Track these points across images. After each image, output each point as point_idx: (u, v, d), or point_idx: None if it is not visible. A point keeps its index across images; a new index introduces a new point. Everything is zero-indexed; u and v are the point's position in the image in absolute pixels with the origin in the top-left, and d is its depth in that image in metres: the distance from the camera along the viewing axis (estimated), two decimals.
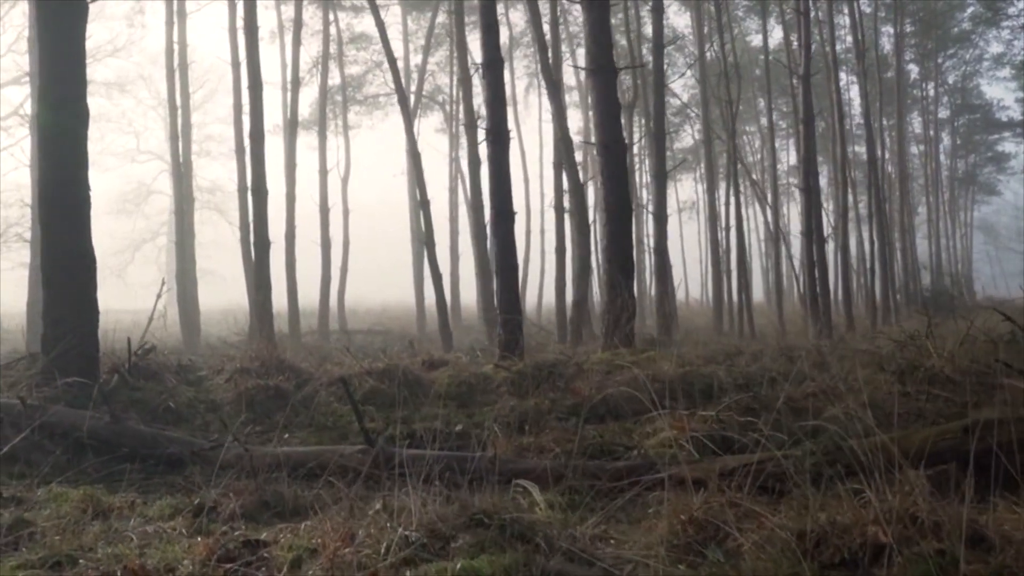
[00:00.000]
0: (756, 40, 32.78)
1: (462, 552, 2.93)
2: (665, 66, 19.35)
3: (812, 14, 19.62)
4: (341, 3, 28.45)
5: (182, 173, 21.55)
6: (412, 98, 25.71)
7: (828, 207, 29.17)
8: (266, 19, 26.10)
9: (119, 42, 28.76)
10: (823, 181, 26.72)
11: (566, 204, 18.01)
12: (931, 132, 37.57)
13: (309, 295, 22.63)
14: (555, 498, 3.89)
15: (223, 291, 28.94)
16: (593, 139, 11.74)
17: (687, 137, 37.08)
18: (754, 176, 31.05)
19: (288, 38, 23.55)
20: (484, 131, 9.29)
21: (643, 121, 23.94)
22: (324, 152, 25.22)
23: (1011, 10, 33.18)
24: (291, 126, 22.68)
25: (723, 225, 22.49)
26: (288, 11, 24.58)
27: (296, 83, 22.71)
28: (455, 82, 27.24)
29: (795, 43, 23.09)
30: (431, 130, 34.41)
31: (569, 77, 31.32)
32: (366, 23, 29.79)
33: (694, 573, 2.88)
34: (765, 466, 3.72)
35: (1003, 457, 3.24)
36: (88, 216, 7.05)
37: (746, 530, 3.01)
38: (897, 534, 2.62)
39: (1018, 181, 44.49)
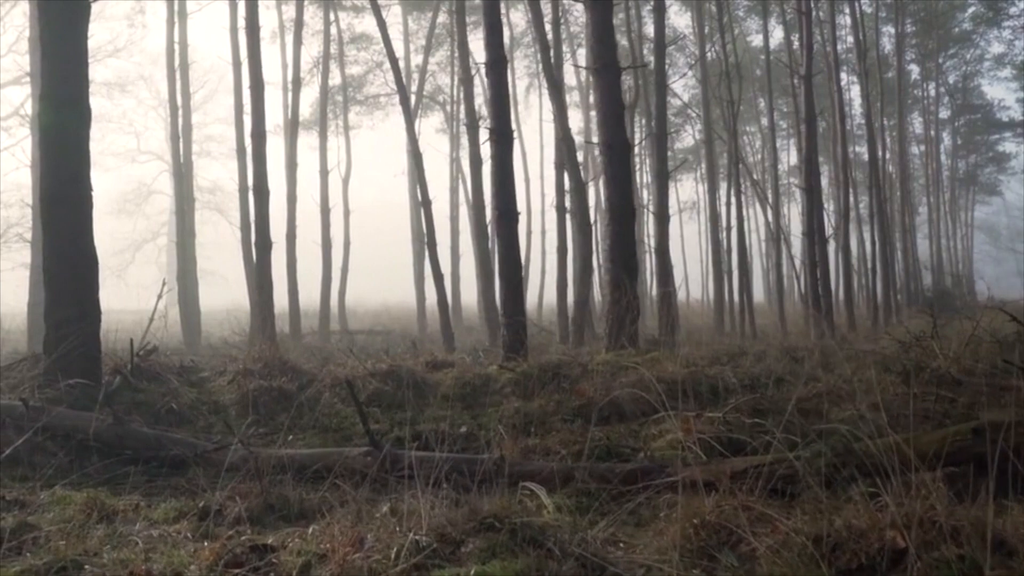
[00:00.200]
0: (757, 40, 32.82)
1: (473, 557, 2.89)
2: (666, 66, 19.33)
3: (813, 14, 19.59)
4: (342, 3, 28.42)
5: (183, 173, 21.52)
6: (413, 98, 25.67)
7: (829, 207, 29.13)
8: (267, 19, 26.13)
9: (120, 42, 28.81)
10: (824, 181, 26.71)
11: (567, 204, 17.98)
12: (932, 132, 37.54)
13: (310, 295, 22.60)
14: (563, 501, 3.86)
15: (224, 291, 28.89)
16: (594, 139, 11.69)
17: (688, 137, 37.12)
18: (755, 176, 31.03)
19: (289, 38, 23.53)
20: (488, 131, 9.24)
21: (644, 121, 23.91)
22: (325, 152, 25.22)
23: (1012, 10, 33.21)
24: (292, 126, 22.65)
25: (724, 225, 22.47)
26: (289, 11, 24.57)
27: (297, 83, 22.68)
28: (456, 82, 27.24)
29: (796, 43, 23.08)
30: (432, 130, 34.42)
31: (569, 77, 31.33)
32: (367, 23, 29.80)
33: None
34: (775, 468, 3.68)
35: (1016, 460, 3.21)
36: (90, 216, 7.00)
37: (760, 534, 2.97)
38: (916, 539, 2.58)
39: (1019, 181, 44.52)
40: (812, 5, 18.99)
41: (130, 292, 29.50)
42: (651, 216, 20.66)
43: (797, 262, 23.96)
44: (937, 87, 37.41)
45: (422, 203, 17.49)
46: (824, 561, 2.65)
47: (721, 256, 22.55)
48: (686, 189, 43.38)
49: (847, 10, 25.88)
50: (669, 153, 21.77)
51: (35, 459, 4.93)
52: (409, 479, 3.62)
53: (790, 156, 37.61)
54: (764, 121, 31.82)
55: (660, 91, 17.45)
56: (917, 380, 6.35)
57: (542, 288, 30.42)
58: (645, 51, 23.88)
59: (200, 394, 6.90)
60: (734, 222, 21.38)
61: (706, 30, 23.45)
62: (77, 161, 6.93)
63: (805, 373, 6.35)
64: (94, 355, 6.74)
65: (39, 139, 8.08)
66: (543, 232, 30.75)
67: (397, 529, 3.09)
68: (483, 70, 10.86)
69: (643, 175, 29.70)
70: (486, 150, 17.10)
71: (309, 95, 30.59)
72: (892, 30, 32.07)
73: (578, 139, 20.14)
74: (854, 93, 32.41)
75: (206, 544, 3.32)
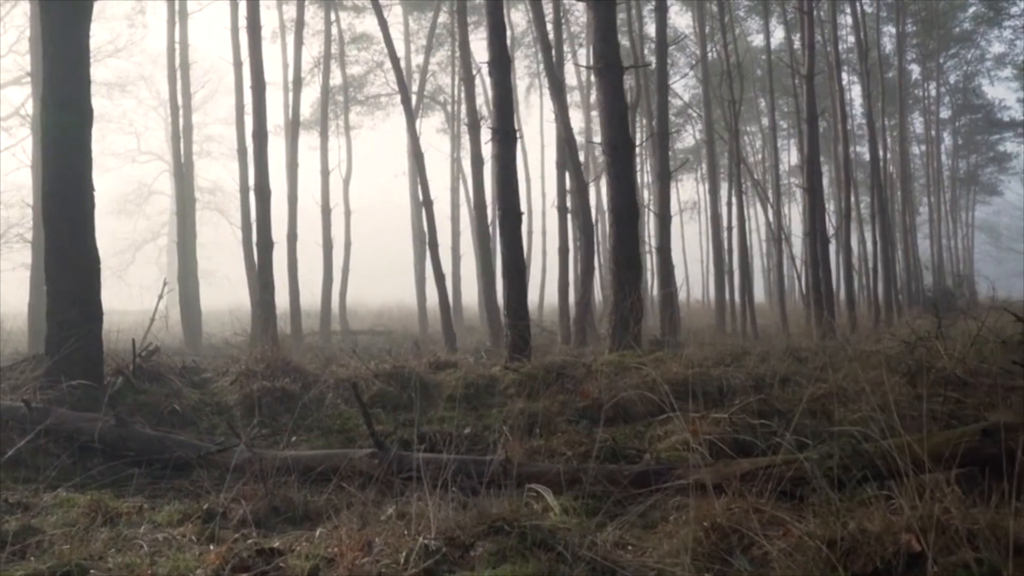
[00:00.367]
0: (758, 40, 32.75)
1: (483, 561, 2.85)
2: (668, 66, 19.30)
3: (814, 14, 19.55)
4: (343, 3, 28.37)
5: (183, 173, 21.47)
6: (414, 98, 25.63)
7: (830, 207, 29.10)
8: (268, 19, 26.02)
9: (120, 42, 28.66)
10: (825, 181, 26.67)
11: (569, 204, 17.95)
12: (933, 132, 37.49)
13: (311, 296, 22.55)
14: (569, 503, 3.82)
15: (225, 292, 28.86)
16: (596, 139, 11.67)
17: (689, 137, 37.08)
18: (756, 176, 30.99)
19: (290, 38, 23.50)
20: (491, 130, 9.22)
21: (645, 121, 23.88)
22: (326, 152, 25.17)
23: (1013, 10, 33.15)
24: (293, 126, 22.61)
25: (725, 225, 22.43)
26: (290, 11, 24.54)
27: (298, 83, 22.63)
28: (457, 82, 27.17)
29: (797, 43, 23.04)
30: (432, 130, 34.41)
31: (569, 78, 31.26)
32: (367, 23, 29.74)
33: None
34: (785, 470, 3.64)
35: None
36: (92, 217, 6.97)
37: (772, 537, 2.94)
38: (930, 542, 2.54)
39: (1019, 181, 44.46)
40: (813, 5, 18.95)
41: (131, 292, 29.46)
42: (652, 216, 20.62)
43: (798, 262, 23.97)
44: (938, 87, 37.38)
45: (423, 203, 17.47)
46: (839, 565, 2.61)
47: (722, 256, 22.52)
48: (687, 189, 43.31)
49: (848, 10, 25.85)
50: (670, 153, 21.73)
51: (38, 461, 4.89)
52: (415, 481, 3.58)
53: (791, 156, 37.61)
54: (765, 121, 31.81)
55: (661, 91, 17.42)
56: (922, 381, 6.32)
57: (543, 288, 30.40)
58: (646, 51, 23.85)
59: (203, 395, 6.87)
60: (735, 222, 21.37)
61: (707, 30, 23.42)
62: (78, 161, 6.90)
63: (811, 373, 6.31)
64: (96, 356, 6.70)
65: (40, 139, 8.05)
66: (544, 232, 30.75)
67: (405, 532, 3.06)
68: (484, 69, 10.82)
69: (644, 175, 29.66)
70: (487, 150, 17.18)
71: (310, 95, 30.59)
72: (893, 30, 32.04)
73: (579, 139, 20.11)
74: (855, 93, 32.40)
75: (211, 548, 3.29)
